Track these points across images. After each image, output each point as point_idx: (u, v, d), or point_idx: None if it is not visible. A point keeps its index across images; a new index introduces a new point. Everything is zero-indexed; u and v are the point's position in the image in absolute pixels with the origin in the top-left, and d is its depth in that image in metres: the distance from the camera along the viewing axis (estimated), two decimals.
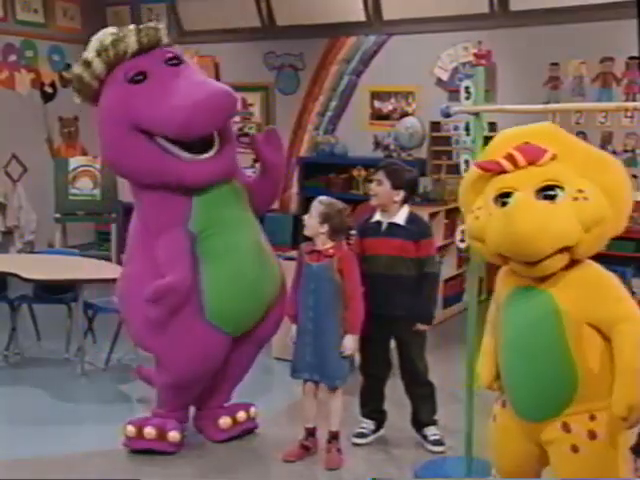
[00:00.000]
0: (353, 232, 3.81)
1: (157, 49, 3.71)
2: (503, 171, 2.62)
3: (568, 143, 2.68)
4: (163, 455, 3.80)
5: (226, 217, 3.75)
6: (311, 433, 3.86)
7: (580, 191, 2.53)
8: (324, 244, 3.68)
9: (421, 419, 3.96)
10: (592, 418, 2.54)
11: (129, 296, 3.81)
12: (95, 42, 3.66)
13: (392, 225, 3.83)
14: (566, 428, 2.57)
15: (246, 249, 3.77)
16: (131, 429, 3.80)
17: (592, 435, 2.54)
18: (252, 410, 4.06)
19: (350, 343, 3.65)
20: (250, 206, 3.91)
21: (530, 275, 2.59)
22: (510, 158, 2.61)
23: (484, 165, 2.70)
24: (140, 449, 3.79)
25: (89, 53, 3.65)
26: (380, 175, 3.84)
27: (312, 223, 3.68)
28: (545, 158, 2.58)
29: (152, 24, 3.78)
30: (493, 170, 2.65)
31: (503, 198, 2.58)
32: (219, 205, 3.74)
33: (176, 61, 3.72)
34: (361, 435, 3.99)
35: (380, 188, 3.82)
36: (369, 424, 4.02)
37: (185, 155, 3.61)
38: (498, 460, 2.86)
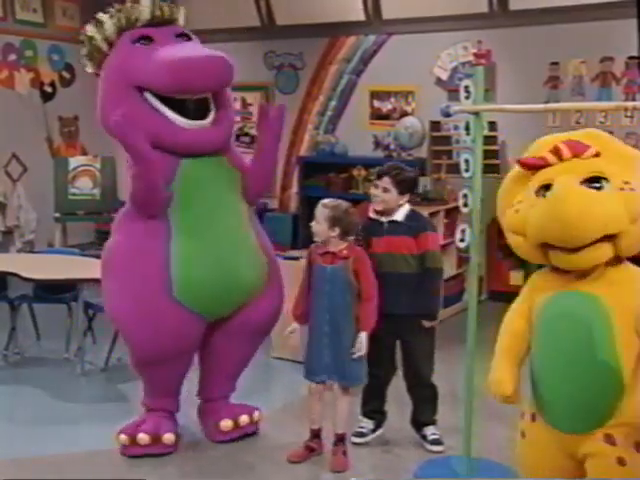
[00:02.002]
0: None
1: (170, 25, 3.80)
2: (547, 166, 2.58)
3: (611, 143, 2.63)
4: (160, 455, 3.80)
5: (208, 193, 3.73)
6: (316, 435, 3.85)
7: (626, 182, 2.47)
8: (337, 246, 3.67)
9: (421, 419, 3.97)
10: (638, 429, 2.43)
11: (108, 266, 3.80)
12: (114, 7, 3.79)
13: (392, 223, 3.84)
14: (610, 440, 2.46)
15: (223, 230, 3.73)
16: (124, 437, 3.76)
17: (639, 447, 2.43)
18: (256, 414, 4.02)
19: (364, 341, 3.63)
20: (242, 192, 3.87)
21: (572, 266, 2.50)
22: (555, 151, 2.57)
23: (528, 161, 2.64)
24: (136, 455, 3.77)
25: (102, 15, 3.78)
26: (386, 182, 3.80)
27: (321, 229, 3.65)
28: (589, 152, 2.54)
29: (168, 3, 3.86)
30: (537, 165, 2.60)
31: (546, 190, 2.51)
32: (204, 179, 3.72)
33: (186, 37, 3.80)
34: (360, 435, 3.99)
35: (387, 195, 3.81)
36: (368, 424, 4.02)
37: (181, 120, 3.64)
38: (530, 478, 2.74)
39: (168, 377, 3.87)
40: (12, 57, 8.18)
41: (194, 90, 3.61)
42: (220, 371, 4.00)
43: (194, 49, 3.70)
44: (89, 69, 3.97)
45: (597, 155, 2.55)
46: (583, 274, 2.52)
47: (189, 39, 3.84)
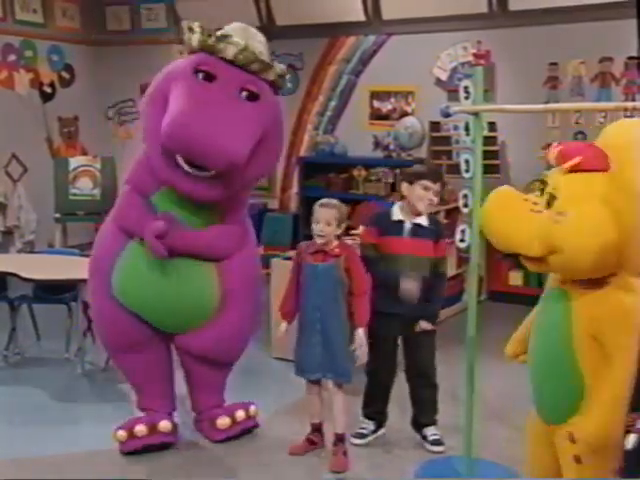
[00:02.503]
0: (363, 226, 3.86)
1: (248, 73, 3.64)
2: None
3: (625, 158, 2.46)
4: (163, 454, 3.81)
5: (182, 213, 3.70)
6: (317, 428, 3.88)
7: (559, 213, 2.47)
8: (330, 244, 3.70)
9: (422, 420, 3.97)
10: None
11: (94, 248, 4.04)
12: (215, 30, 3.71)
13: (416, 226, 3.86)
14: (571, 437, 2.54)
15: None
16: (122, 433, 3.80)
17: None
18: (252, 409, 4.06)
19: (362, 336, 3.64)
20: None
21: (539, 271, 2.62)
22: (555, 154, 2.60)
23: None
24: (135, 449, 3.80)
25: (198, 26, 3.71)
26: (439, 187, 3.87)
27: (330, 230, 3.66)
28: (568, 164, 2.50)
29: (267, 56, 3.73)
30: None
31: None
32: (183, 203, 3.69)
33: (249, 94, 3.63)
34: (360, 436, 3.99)
35: (436, 199, 3.88)
36: (369, 424, 4.02)
37: (186, 168, 3.53)
38: (529, 466, 2.84)
39: (135, 369, 3.93)
40: (12, 57, 8.18)
41: (185, 156, 3.50)
42: (196, 387, 4.03)
43: (220, 122, 3.42)
44: (183, 54, 3.91)
45: (577, 168, 2.49)
46: (572, 284, 2.57)
47: (254, 98, 3.63)
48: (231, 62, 3.62)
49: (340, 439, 3.77)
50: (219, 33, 3.67)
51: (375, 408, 4.03)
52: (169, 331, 3.87)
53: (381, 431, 4.05)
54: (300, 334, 3.76)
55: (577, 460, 2.52)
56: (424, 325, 3.83)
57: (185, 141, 3.40)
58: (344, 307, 3.68)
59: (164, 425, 3.81)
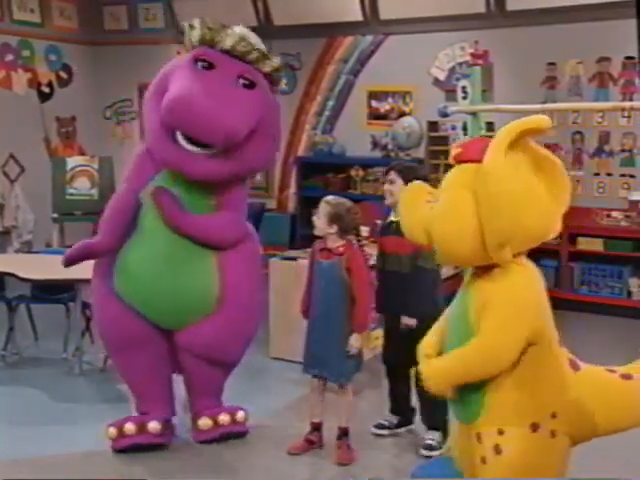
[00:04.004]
0: (364, 230, 3.86)
1: (246, 63, 3.78)
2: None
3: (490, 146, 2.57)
4: (161, 454, 3.81)
5: (185, 201, 3.75)
6: (316, 428, 3.89)
7: (436, 200, 2.62)
8: (334, 243, 3.72)
9: (422, 422, 3.97)
10: (500, 432, 2.54)
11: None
12: (215, 23, 3.83)
13: (397, 222, 3.85)
14: (479, 438, 2.58)
15: (176, 246, 3.74)
16: (112, 431, 3.83)
17: (497, 450, 2.53)
18: (239, 414, 4.00)
19: (355, 342, 3.68)
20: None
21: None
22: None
23: None
24: (125, 447, 3.81)
25: (197, 21, 3.83)
26: (392, 175, 3.85)
27: (321, 224, 3.71)
28: (450, 156, 2.68)
29: (263, 47, 3.85)
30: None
31: None
32: (180, 190, 3.74)
33: (247, 82, 3.75)
34: (380, 426, 4.05)
35: (393, 187, 3.83)
36: (392, 418, 4.07)
37: (185, 145, 3.63)
38: (458, 460, 2.86)
39: (135, 370, 3.92)
40: (9, 57, 8.17)
41: (187, 134, 3.59)
42: (194, 388, 4.02)
43: (218, 98, 3.57)
44: (181, 53, 4.00)
45: (457, 159, 2.63)
46: (474, 273, 2.64)
47: (251, 86, 3.76)
48: (229, 53, 3.76)
49: (344, 433, 3.81)
50: (217, 25, 3.81)
51: (396, 403, 4.07)
52: (169, 327, 3.86)
53: (406, 427, 4.07)
54: (307, 330, 3.80)
55: (483, 461, 2.55)
56: (405, 321, 3.81)
57: (185, 114, 3.51)
58: (345, 307, 3.69)
59: (153, 426, 3.82)
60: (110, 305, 3.83)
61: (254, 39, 3.86)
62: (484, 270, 2.58)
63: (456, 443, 2.84)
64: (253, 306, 3.99)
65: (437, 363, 2.63)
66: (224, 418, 3.94)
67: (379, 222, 4.18)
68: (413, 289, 3.80)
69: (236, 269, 3.84)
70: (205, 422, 3.92)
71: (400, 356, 3.92)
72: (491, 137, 2.64)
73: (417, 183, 2.81)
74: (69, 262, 3.84)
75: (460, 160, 2.60)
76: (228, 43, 3.75)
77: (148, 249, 3.75)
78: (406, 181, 3.78)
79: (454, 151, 2.64)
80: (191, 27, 3.83)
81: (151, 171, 3.79)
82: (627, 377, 2.68)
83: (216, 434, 3.92)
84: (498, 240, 2.45)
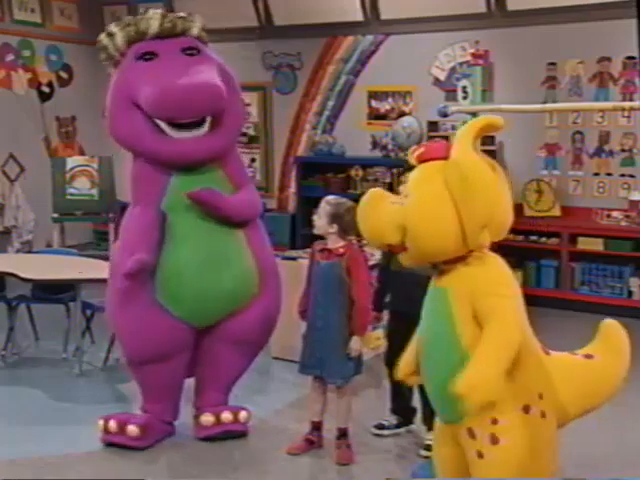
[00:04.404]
0: None
1: (179, 37, 3.83)
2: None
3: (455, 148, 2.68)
4: (161, 453, 3.81)
5: (197, 207, 3.77)
6: (317, 427, 3.89)
7: (405, 196, 2.70)
8: (335, 243, 3.71)
9: (428, 421, 3.97)
10: (494, 422, 2.55)
11: (110, 265, 3.99)
12: (124, 18, 3.89)
13: None
14: (471, 434, 2.58)
15: (209, 242, 3.79)
16: (100, 423, 3.91)
17: (494, 440, 2.54)
18: (242, 414, 3.99)
19: (355, 345, 3.68)
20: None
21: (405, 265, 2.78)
22: None
23: None
24: (106, 443, 3.87)
25: (114, 26, 3.85)
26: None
27: (321, 224, 3.72)
28: (413, 157, 2.76)
29: (182, 14, 3.93)
30: None
31: None
32: (195, 188, 3.75)
33: (192, 51, 3.82)
34: (380, 427, 4.05)
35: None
36: (392, 418, 4.06)
37: (171, 132, 3.69)
38: (438, 467, 2.87)
39: (159, 379, 3.91)
40: (10, 57, 8.18)
41: (178, 118, 3.65)
42: (212, 380, 4.02)
43: (186, 74, 3.66)
44: (111, 71, 3.98)
45: (419, 158, 2.72)
46: (441, 271, 2.70)
47: (197, 52, 3.84)
48: (159, 36, 3.81)
49: (343, 433, 3.81)
50: (134, 19, 3.87)
51: (397, 403, 4.07)
52: (216, 323, 3.87)
53: (406, 427, 4.07)
54: (305, 331, 3.80)
55: (480, 455, 2.56)
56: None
57: (171, 100, 3.58)
58: (345, 308, 3.69)
59: (131, 429, 3.82)
60: (151, 316, 3.76)
61: (170, 13, 3.93)
62: (455, 263, 2.64)
63: (439, 446, 2.83)
64: (280, 289, 4.10)
65: (473, 373, 2.49)
66: (227, 416, 3.94)
67: None
68: (424, 289, 3.80)
69: (265, 252, 4.00)
70: (207, 418, 3.92)
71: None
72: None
73: (376, 189, 2.88)
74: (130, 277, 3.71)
75: (423, 159, 2.69)
76: (154, 26, 3.79)
77: (188, 254, 3.75)
78: None
79: (416, 152, 2.75)
80: (110, 35, 3.86)
81: (161, 183, 3.78)
82: (589, 357, 2.80)
83: (218, 431, 3.92)
84: (479, 222, 2.53)
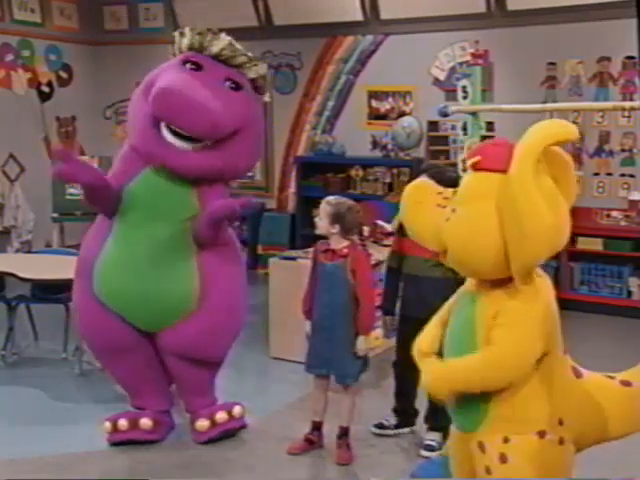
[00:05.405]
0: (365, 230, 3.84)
1: (233, 68, 3.84)
2: None
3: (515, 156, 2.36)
4: (161, 453, 3.81)
5: (155, 206, 3.76)
6: (317, 427, 3.89)
7: (453, 210, 2.45)
8: (338, 243, 3.71)
9: (431, 421, 3.97)
10: (505, 441, 2.45)
11: (81, 249, 4.10)
12: (204, 28, 3.88)
13: None
14: (482, 448, 2.50)
15: (155, 245, 3.76)
16: (107, 425, 3.92)
17: (503, 459, 2.44)
18: (236, 409, 4.00)
19: (362, 344, 3.69)
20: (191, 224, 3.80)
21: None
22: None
23: None
24: (119, 442, 3.88)
25: (189, 29, 3.88)
26: (424, 179, 3.76)
27: (323, 224, 3.72)
28: (468, 163, 2.47)
29: (251, 54, 3.92)
30: None
31: None
32: (158, 193, 3.76)
33: (234, 85, 3.81)
34: (380, 426, 4.05)
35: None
36: (391, 418, 4.07)
37: (170, 137, 3.68)
38: (455, 474, 2.81)
39: (126, 373, 4.00)
40: (9, 57, 8.17)
41: (169, 122, 3.64)
42: (184, 389, 4.04)
43: (205, 94, 3.63)
44: None
45: (475, 166, 2.42)
46: (481, 282, 2.51)
47: (237, 88, 3.81)
48: (217, 58, 3.83)
49: (345, 433, 3.82)
50: (204, 30, 3.86)
51: (400, 404, 4.07)
52: (150, 329, 3.88)
53: (407, 429, 4.07)
54: (311, 331, 3.80)
55: (488, 471, 2.47)
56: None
57: (172, 104, 3.57)
58: (351, 308, 3.69)
59: (144, 422, 3.88)
60: (93, 310, 3.86)
61: (240, 47, 3.92)
62: (497, 284, 2.45)
63: (454, 451, 2.77)
64: (234, 306, 3.97)
65: (439, 367, 2.51)
66: (221, 416, 3.94)
67: (379, 222, 4.15)
68: (437, 292, 3.77)
69: (216, 271, 3.85)
70: (202, 424, 3.91)
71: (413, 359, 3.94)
72: (491, 137, 2.61)
73: (423, 180, 2.68)
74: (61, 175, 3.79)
75: (479, 168, 2.41)
76: (216, 48, 3.81)
77: (128, 251, 3.76)
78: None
79: (471, 158, 2.44)
80: (181, 35, 3.91)
81: (137, 168, 3.79)
82: (626, 384, 2.65)
83: (215, 433, 3.92)
84: (526, 266, 2.36)
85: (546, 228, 2.29)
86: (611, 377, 2.68)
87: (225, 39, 3.84)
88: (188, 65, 3.78)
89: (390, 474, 3.69)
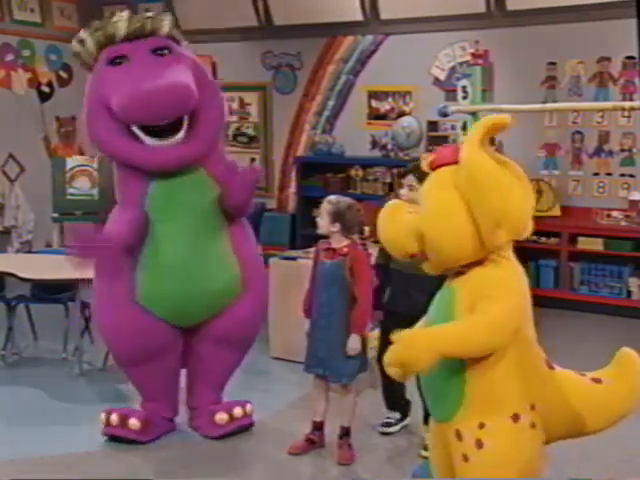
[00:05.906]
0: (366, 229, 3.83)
1: (148, 38, 3.78)
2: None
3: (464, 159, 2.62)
4: (162, 452, 3.82)
5: (178, 207, 3.78)
6: (318, 427, 3.89)
7: (420, 205, 2.66)
8: (339, 242, 3.72)
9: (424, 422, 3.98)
10: (481, 426, 2.53)
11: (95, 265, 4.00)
12: (93, 23, 3.85)
13: None
14: (459, 436, 2.57)
15: (190, 242, 3.78)
16: (103, 416, 3.96)
17: (479, 444, 2.52)
18: (248, 407, 4.07)
19: (354, 343, 3.68)
20: (218, 202, 3.84)
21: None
22: None
23: None
24: (108, 435, 3.93)
25: (84, 32, 3.82)
26: (410, 180, 3.70)
27: (323, 223, 3.73)
28: (423, 165, 2.71)
29: (150, 13, 3.89)
30: None
31: None
32: (175, 196, 3.77)
33: (163, 51, 3.77)
34: (387, 425, 4.05)
35: (413, 193, 3.60)
36: (394, 414, 4.08)
37: (149, 140, 3.66)
38: (433, 466, 2.85)
39: (149, 380, 3.97)
40: (9, 57, 8.18)
41: (150, 122, 3.62)
42: (203, 380, 4.05)
43: (154, 76, 3.60)
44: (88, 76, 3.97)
45: (431, 166, 2.67)
46: (455, 273, 2.66)
47: (168, 51, 3.78)
48: (129, 38, 3.76)
49: (346, 432, 3.82)
50: (101, 23, 3.84)
51: (390, 399, 4.08)
52: (200, 323, 3.90)
53: (407, 420, 4.09)
54: (310, 329, 3.82)
55: (465, 459, 2.54)
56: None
57: (139, 104, 3.53)
58: (348, 307, 3.70)
59: (132, 423, 3.88)
60: (132, 317, 3.79)
61: (136, 15, 3.90)
62: (472, 266, 2.60)
63: (433, 443, 2.83)
64: (266, 289, 4.21)
65: (415, 336, 2.54)
66: (238, 411, 4.00)
67: None
68: (422, 289, 3.79)
69: (247, 250, 3.99)
70: (222, 417, 3.95)
71: None
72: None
73: (395, 201, 2.85)
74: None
75: (435, 166, 2.66)
76: (122, 29, 3.75)
77: (171, 255, 3.75)
78: None
79: (427, 160, 2.70)
80: (80, 42, 3.82)
81: (141, 185, 3.76)
82: (597, 381, 2.72)
83: (233, 427, 3.97)
84: (493, 221, 2.49)
85: (499, 177, 2.51)
86: (582, 374, 2.77)
87: (123, 16, 3.77)
88: (115, 62, 3.73)
89: (391, 474, 3.70)
